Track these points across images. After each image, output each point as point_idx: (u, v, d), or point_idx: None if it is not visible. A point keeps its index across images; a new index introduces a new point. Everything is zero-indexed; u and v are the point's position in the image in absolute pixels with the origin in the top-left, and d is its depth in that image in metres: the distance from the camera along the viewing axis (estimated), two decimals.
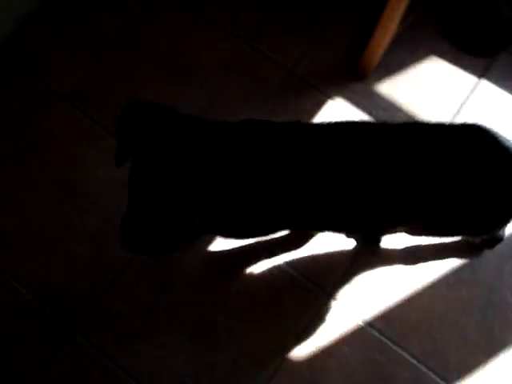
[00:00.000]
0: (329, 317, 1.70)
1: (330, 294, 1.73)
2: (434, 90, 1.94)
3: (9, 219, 1.79)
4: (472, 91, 1.93)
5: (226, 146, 1.14)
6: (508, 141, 1.28)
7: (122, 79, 1.94)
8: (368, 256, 1.75)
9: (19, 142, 1.87)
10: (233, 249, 1.77)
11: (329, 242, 1.76)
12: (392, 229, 1.51)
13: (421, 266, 1.75)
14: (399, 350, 1.67)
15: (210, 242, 1.77)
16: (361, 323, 1.70)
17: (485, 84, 1.94)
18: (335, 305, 1.72)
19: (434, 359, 1.67)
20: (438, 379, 1.65)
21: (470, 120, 1.36)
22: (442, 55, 1.98)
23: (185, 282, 1.76)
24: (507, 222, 1.36)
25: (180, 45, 1.99)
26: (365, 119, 1.75)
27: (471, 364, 1.66)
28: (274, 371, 1.65)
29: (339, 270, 1.75)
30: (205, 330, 1.71)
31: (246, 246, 1.76)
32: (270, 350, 1.68)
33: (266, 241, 1.75)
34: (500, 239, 1.68)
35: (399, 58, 1.97)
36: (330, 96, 1.94)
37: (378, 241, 1.75)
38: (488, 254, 1.74)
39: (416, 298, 1.73)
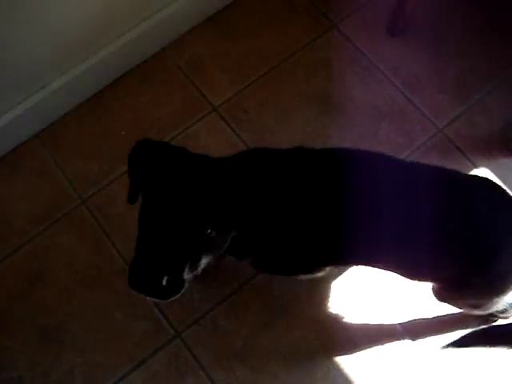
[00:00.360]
0: None
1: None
2: None
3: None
4: None
5: (237, 183, 1.12)
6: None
7: (275, 103, 1.97)
8: None
9: None
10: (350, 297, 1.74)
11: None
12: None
13: None
14: None
15: (331, 281, 1.75)
16: None
17: None
18: None
19: None
20: None
21: None
22: None
23: (293, 315, 1.75)
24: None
25: (337, 82, 1.99)
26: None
27: None
28: None
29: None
30: (303, 368, 1.69)
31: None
32: None
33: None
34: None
35: None
36: (475, 164, 1.90)
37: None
38: None
39: None
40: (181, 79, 2.01)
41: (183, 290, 1.10)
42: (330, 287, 1.78)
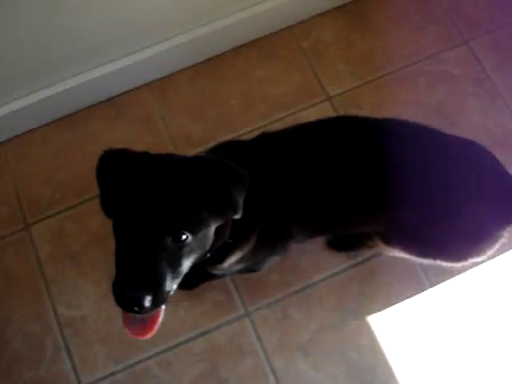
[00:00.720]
0: None
1: None
2: None
3: None
4: None
5: (204, 174, 1.07)
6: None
7: (389, 106, 1.93)
8: None
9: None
10: None
11: None
12: None
13: None
14: None
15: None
16: None
17: None
18: None
19: None
20: None
21: None
22: None
23: (363, 322, 1.74)
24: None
25: (456, 99, 1.94)
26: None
27: None
28: None
29: None
30: (363, 376, 1.67)
31: None
32: None
33: None
34: None
35: None
36: None
37: None
38: None
39: None
40: (301, 61, 1.98)
41: (167, 301, 1.08)
42: (406, 305, 1.74)
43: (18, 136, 1.92)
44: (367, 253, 1.76)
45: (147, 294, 1.01)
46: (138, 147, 1.79)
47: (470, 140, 1.32)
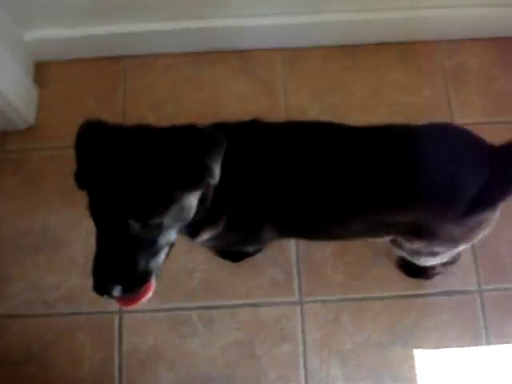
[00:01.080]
0: None
1: None
2: None
3: None
4: None
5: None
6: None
7: None
8: None
9: None
10: None
11: None
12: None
13: None
14: None
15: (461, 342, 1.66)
16: None
17: None
18: None
19: None
20: None
21: None
22: None
23: (409, 350, 1.69)
24: None
25: None
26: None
27: None
28: None
29: None
30: None
31: None
32: None
33: None
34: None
35: None
36: None
37: None
38: None
39: None
40: (438, 79, 1.93)
41: (154, 276, 1.05)
42: (457, 353, 1.69)
43: (144, 55, 1.93)
44: (438, 286, 1.70)
45: (116, 284, 1.00)
46: (251, 107, 1.81)
47: (445, 124, 1.27)
